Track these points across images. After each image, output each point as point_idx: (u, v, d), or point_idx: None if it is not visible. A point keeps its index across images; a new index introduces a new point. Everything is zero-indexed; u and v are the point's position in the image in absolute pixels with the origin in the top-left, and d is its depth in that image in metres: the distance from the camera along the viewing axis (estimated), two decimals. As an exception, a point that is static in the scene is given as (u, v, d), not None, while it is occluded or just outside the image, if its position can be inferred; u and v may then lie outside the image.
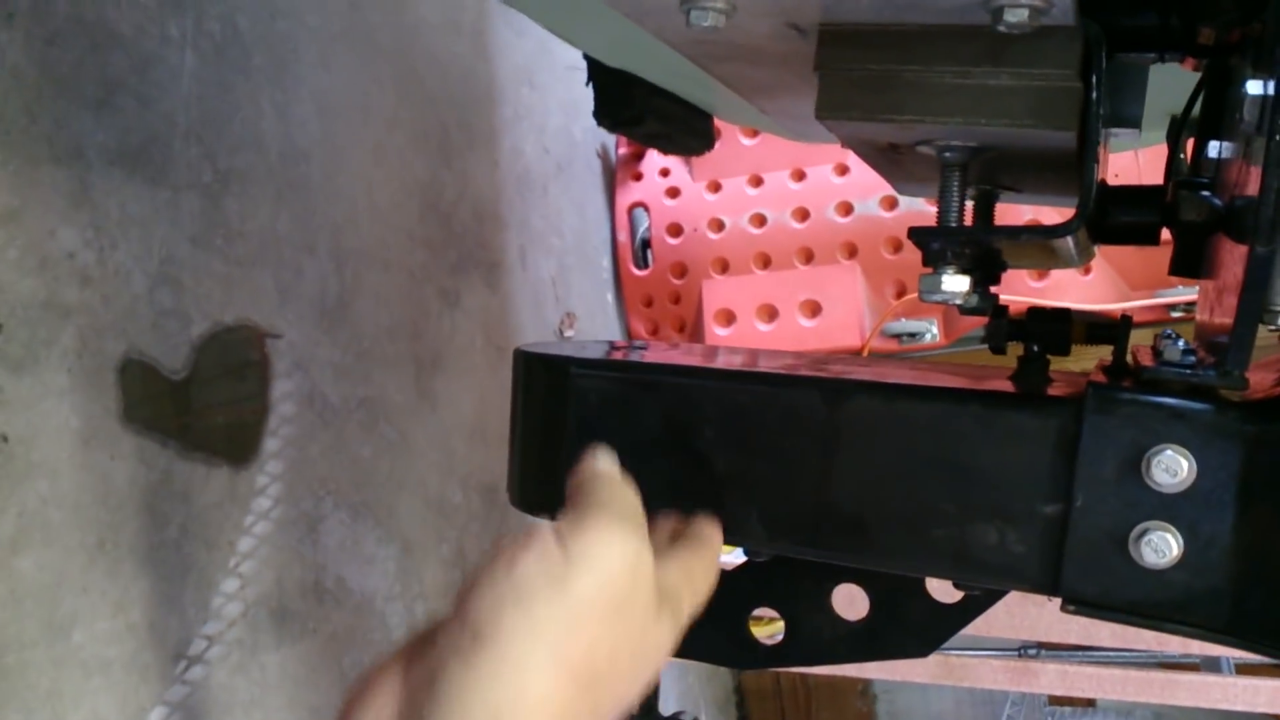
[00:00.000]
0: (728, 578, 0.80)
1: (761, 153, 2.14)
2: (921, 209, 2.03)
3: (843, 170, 2.09)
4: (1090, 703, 2.08)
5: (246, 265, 1.27)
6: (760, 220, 2.14)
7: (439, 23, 1.73)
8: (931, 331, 1.98)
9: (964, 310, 0.63)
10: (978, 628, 1.61)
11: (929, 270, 0.59)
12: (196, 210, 1.20)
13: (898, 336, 1.99)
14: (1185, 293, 1.82)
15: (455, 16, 1.78)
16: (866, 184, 2.07)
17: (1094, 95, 0.50)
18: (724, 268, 2.17)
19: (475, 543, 1.68)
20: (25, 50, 0.99)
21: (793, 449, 0.61)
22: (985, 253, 0.60)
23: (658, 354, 0.75)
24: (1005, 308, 0.67)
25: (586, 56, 1.10)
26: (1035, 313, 0.65)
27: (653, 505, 0.64)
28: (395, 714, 0.43)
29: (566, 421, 0.67)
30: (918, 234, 0.58)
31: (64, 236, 1.03)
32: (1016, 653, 1.94)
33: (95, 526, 1.04)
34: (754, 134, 2.13)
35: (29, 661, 0.97)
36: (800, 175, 2.13)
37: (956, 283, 0.58)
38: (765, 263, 2.14)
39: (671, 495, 0.64)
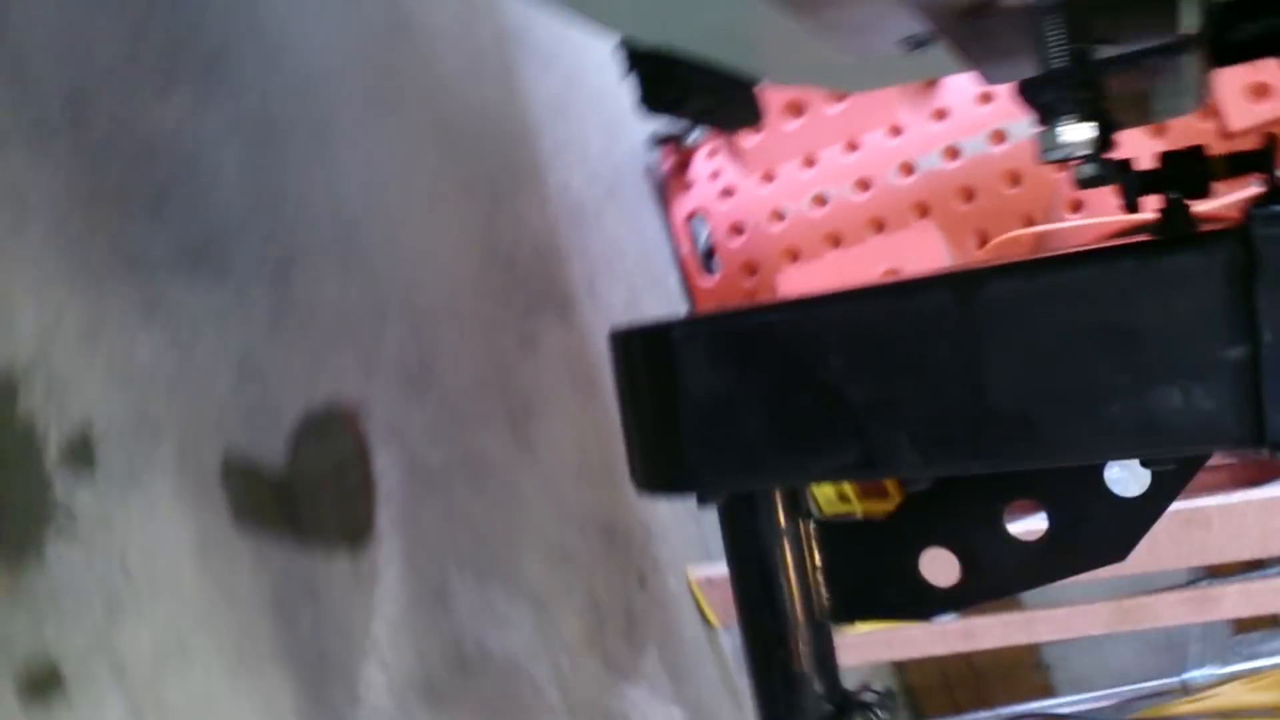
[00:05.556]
0: (889, 523, 0.76)
1: (809, 132, 2.08)
2: (988, 153, 1.95)
3: (896, 130, 2.02)
4: (1277, 621, 1.96)
5: (325, 344, 1.25)
6: (821, 200, 2.08)
7: (463, 72, 1.70)
8: (1025, 274, 1.89)
9: (1084, 182, 0.58)
10: (1144, 562, 1.51)
11: (1043, 128, 0.53)
12: (266, 298, 1.18)
13: (991, 287, 1.90)
14: None
15: (478, 64, 1.75)
16: (924, 139, 2.00)
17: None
18: (794, 256, 2.10)
19: (605, 586, 1.63)
20: (74, 164, 0.98)
21: (933, 357, 0.57)
22: (1096, 106, 0.54)
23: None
24: (1128, 162, 0.61)
25: (622, 46, 1.06)
26: (1167, 157, 0.59)
27: (790, 455, 0.58)
28: None
29: (678, 388, 0.63)
30: (1027, 87, 0.52)
31: (144, 347, 1.01)
32: (1188, 584, 1.82)
33: (230, 636, 1.01)
34: (798, 114, 2.07)
35: (192, 784, 0.93)
36: (853, 145, 2.06)
37: (1078, 132, 0.52)
38: (835, 242, 2.07)
39: (807, 441, 0.59)
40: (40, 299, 0.91)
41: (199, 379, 1.06)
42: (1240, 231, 0.50)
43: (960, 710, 2.21)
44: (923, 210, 2.00)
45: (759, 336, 0.62)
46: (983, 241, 1.94)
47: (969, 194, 1.97)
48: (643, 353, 0.68)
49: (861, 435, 0.59)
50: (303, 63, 1.34)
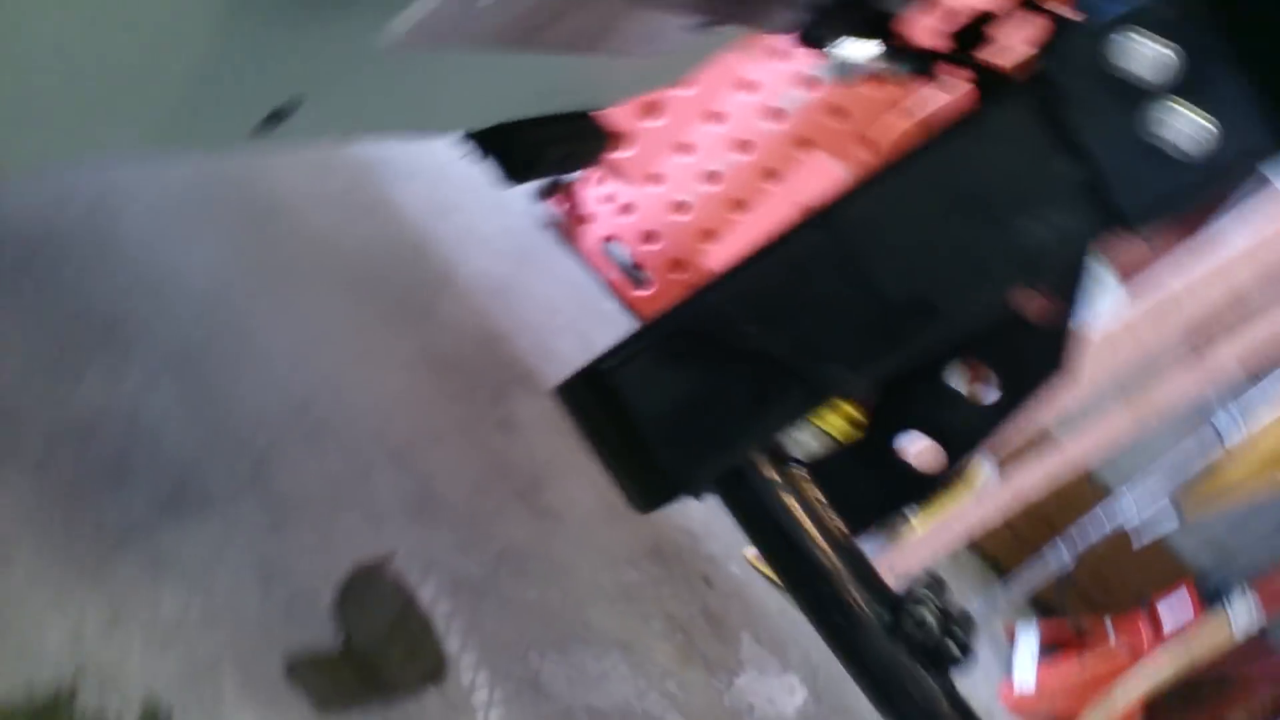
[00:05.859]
0: (865, 438, 0.82)
1: (672, 124, 2.14)
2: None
3: (751, 86, 2.08)
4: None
5: (327, 515, 1.30)
6: (711, 175, 2.14)
7: (338, 220, 1.77)
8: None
9: (895, 80, 0.64)
10: (1133, 356, 1.54)
11: (828, 58, 0.60)
12: (256, 506, 1.24)
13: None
14: None
15: (347, 205, 1.82)
16: (778, 81, 2.05)
17: None
18: (710, 236, 2.16)
19: (676, 602, 1.68)
20: (28, 477, 1.04)
21: (826, 287, 0.64)
22: (864, 19, 0.60)
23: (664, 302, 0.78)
24: (928, 52, 0.67)
25: (467, 137, 1.12)
26: (956, 35, 0.66)
27: (745, 419, 0.66)
28: None
29: (628, 409, 0.70)
30: (799, 30, 0.59)
31: (167, 604, 1.07)
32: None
33: (359, 810, 1.06)
34: (656, 112, 2.13)
35: None
36: (714, 115, 2.12)
37: (858, 49, 0.59)
38: (740, 206, 2.13)
39: (755, 401, 0.66)
40: (58, 610, 0.97)
41: (229, 604, 1.12)
42: (1040, 74, 0.56)
43: (1038, 549, 2.29)
44: (807, 144, 2.06)
45: (677, 337, 0.69)
46: (872, 148, 1.99)
47: (840, 112, 2.02)
48: (585, 394, 0.74)
49: (798, 376, 0.65)
50: (190, 283, 1.41)
